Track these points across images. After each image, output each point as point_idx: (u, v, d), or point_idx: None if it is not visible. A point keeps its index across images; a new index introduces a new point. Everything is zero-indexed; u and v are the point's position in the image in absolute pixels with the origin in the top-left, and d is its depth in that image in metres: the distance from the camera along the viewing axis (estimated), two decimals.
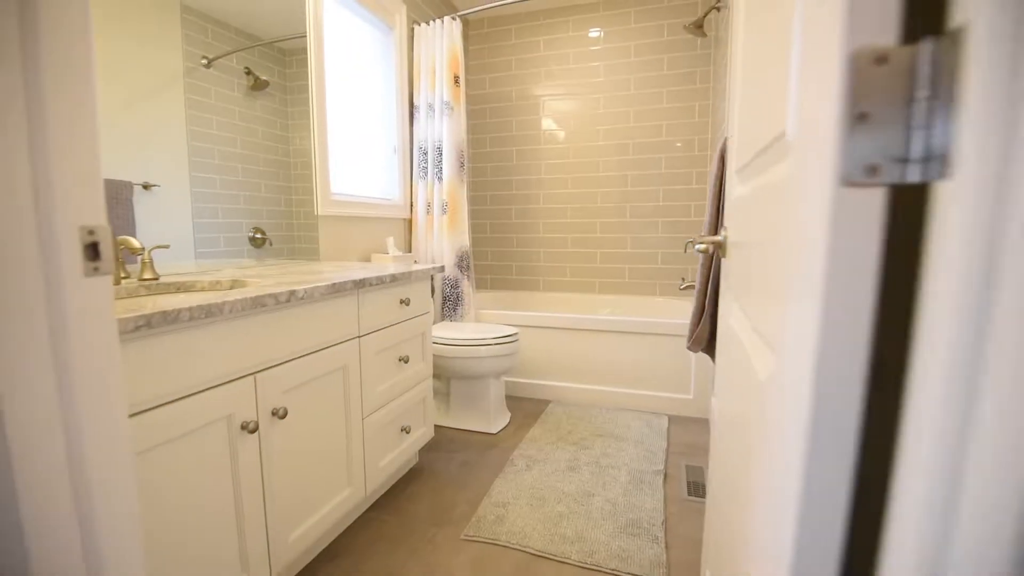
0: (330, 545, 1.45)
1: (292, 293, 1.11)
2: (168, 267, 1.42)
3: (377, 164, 2.51)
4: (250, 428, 1.03)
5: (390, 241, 2.32)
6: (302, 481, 1.22)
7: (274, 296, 1.07)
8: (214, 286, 1.33)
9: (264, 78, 1.88)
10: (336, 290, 1.25)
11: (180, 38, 1.54)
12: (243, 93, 1.80)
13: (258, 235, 1.81)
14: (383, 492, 1.72)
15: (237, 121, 1.76)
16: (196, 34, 1.60)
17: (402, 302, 1.60)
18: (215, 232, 1.62)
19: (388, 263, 2.04)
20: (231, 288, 1.31)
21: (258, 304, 1.03)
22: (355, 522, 1.56)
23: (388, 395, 1.56)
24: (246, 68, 1.81)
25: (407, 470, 1.88)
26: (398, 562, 1.38)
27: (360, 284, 1.36)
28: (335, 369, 1.32)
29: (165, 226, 1.44)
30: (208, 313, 0.93)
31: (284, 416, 1.12)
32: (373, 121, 2.47)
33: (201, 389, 0.95)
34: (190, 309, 0.89)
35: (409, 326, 1.66)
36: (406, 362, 1.64)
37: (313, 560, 1.39)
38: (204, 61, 1.64)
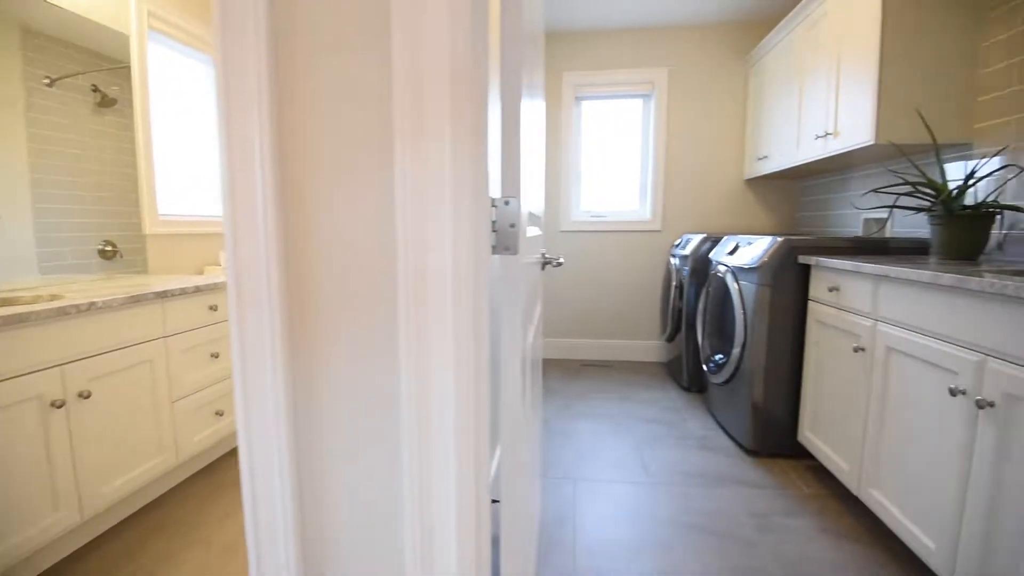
0: (154, 500, 1.82)
1: (92, 304, 1.49)
2: (6, 284, 1.70)
3: (216, 184, 2.84)
4: (57, 405, 1.40)
5: (223, 255, 2.66)
6: (112, 447, 1.59)
7: (76, 306, 1.44)
8: (35, 299, 1.65)
9: (112, 96, 2.08)
10: (136, 300, 1.64)
11: (20, 60, 1.74)
12: (91, 110, 1.99)
13: (108, 248, 2.04)
14: (205, 464, 2.10)
15: (86, 137, 1.95)
16: (36, 55, 1.77)
17: (211, 308, 2.00)
18: (61, 247, 1.86)
19: (218, 275, 2.40)
20: (50, 300, 1.65)
21: (62, 312, 1.41)
22: (177, 485, 1.94)
23: (199, 384, 1.95)
24: (93, 85, 2.00)
25: (231, 448, 2.26)
26: (205, 509, 1.79)
27: (163, 295, 1.75)
28: (141, 362, 1.70)
29: (4, 245, 1.68)
30: (20, 319, 1.30)
31: (88, 397, 1.49)
32: (209, 146, 2.80)
33: (15, 376, 1.31)
34: (4, 317, 1.26)
35: (220, 328, 2.05)
36: (217, 357, 2.04)
37: (139, 510, 1.76)
38: (47, 80, 1.81)
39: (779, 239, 2.14)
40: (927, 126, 1.90)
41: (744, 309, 2.25)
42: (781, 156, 2.94)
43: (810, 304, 2.06)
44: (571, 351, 3.86)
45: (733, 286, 2.34)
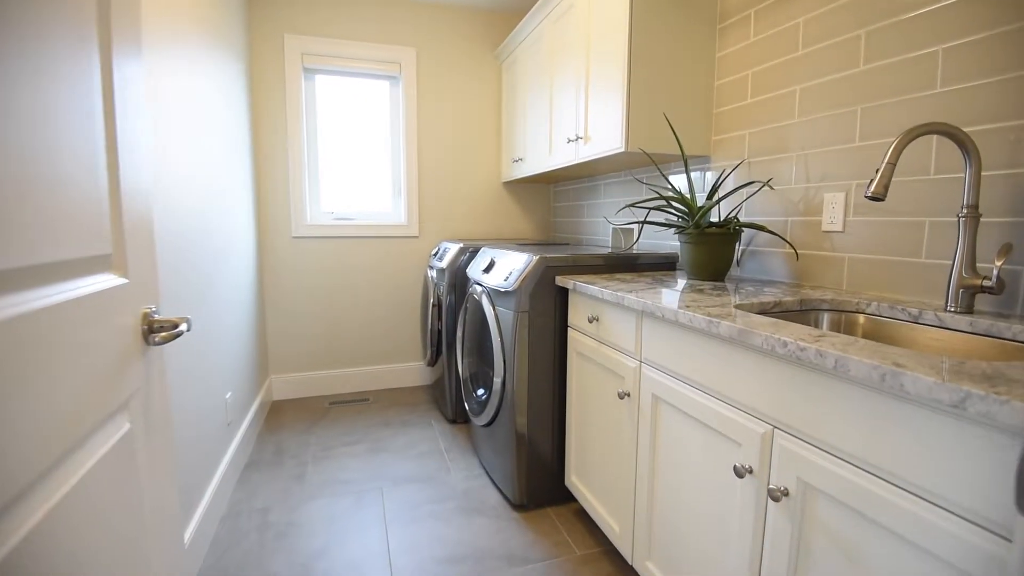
0: None
1: None
2: None
3: None
4: None
5: None
6: None
7: None
8: None
9: None
10: None
11: None
12: None
13: None
14: None
15: None
16: None
17: None
18: None
19: None
20: None
21: None
22: None
23: None
24: None
25: None
26: None
27: None
28: None
29: None
30: None
31: None
32: None
33: None
34: None
35: None
36: None
37: None
38: None
39: (534, 258, 1.81)
40: (676, 137, 1.76)
41: (502, 338, 1.89)
42: (535, 159, 2.72)
43: (570, 332, 1.79)
44: (317, 386, 3.13)
45: (489, 311, 1.97)
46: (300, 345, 3.08)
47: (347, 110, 3.12)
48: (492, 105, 3.30)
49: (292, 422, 2.71)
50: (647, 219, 1.84)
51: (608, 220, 2.69)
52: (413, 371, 3.32)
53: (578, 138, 2.17)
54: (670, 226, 1.71)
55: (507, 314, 1.85)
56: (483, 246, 2.43)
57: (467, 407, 2.24)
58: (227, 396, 2.08)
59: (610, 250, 2.17)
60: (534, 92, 2.70)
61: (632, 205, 1.77)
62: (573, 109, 2.23)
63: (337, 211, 3.14)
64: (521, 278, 1.78)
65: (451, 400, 2.66)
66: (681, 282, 1.62)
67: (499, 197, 3.39)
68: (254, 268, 2.71)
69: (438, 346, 2.71)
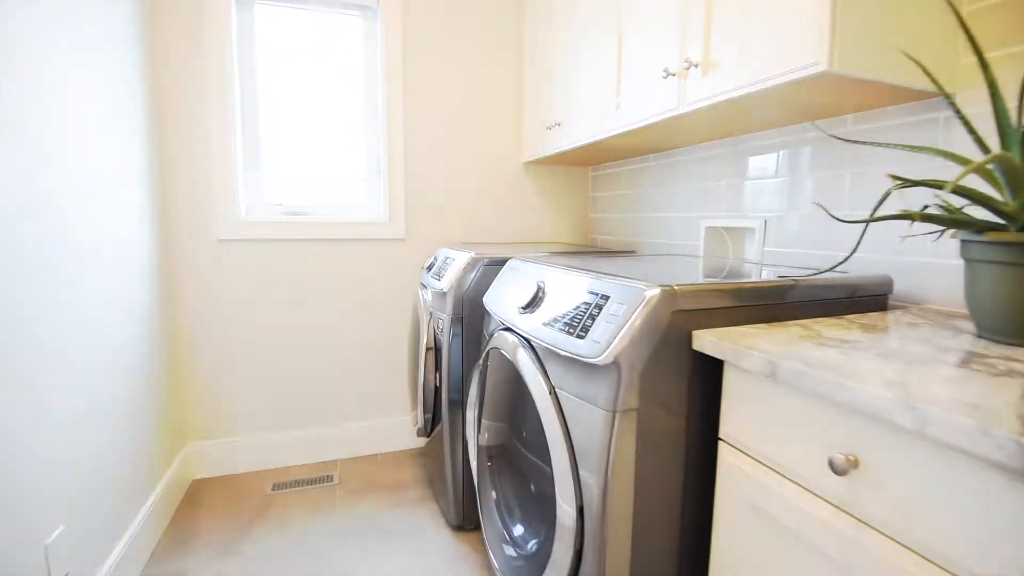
0: None
1: None
2: None
3: None
4: None
5: None
6: None
7: None
8: None
9: None
10: None
11: None
12: None
13: None
14: None
15: None
16: None
17: None
18: None
19: None
20: None
21: None
22: None
23: None
24: None
25: None
26: None
27: None
28: None
29: None
30: None
31: None
32: None
33: None
34: None
35: None
36: None
37: None
38: None
39: (651, 293, 0.86)
40: (969, 34, 0.82)
41: (574, 454, 0.94)
42: (588, 121, 1.77)
43: (725, 451, 0.85)
44: (258, 458, 2.16)
45: (541, 394, 1.01)
46: (234, 399, 2.10)
47: (302, 57, 2.15)
48: (509, 50, 2.34)
49: (207, 531, 1.74)
50: (875, 215, 0.90)
51: (769, 213, 1.74)
52: (398, 430, 2.36)
53: (689, 67, 1.22)
54: (961, 224, 0.77)
55: (589, 412, 0.89)
56: (511, 257, 1.47)
57: (494, 562, 1.26)
58: (52, 537, 1.11)
59: (780, 276, 1.22)
60: (584, 13, 1.75)
61: (940, 186, 0.80)
62: (675, 19, 1.28)
63: (287, 202, 2.17)
64: (627, 336, 0.82)
65: (455, 493, 1.70)
66: (989, 348, 0.68)
67: (518, 184, 2.43)
68: (153, 290, 1.73)
69: (435, 410, 1.76)
